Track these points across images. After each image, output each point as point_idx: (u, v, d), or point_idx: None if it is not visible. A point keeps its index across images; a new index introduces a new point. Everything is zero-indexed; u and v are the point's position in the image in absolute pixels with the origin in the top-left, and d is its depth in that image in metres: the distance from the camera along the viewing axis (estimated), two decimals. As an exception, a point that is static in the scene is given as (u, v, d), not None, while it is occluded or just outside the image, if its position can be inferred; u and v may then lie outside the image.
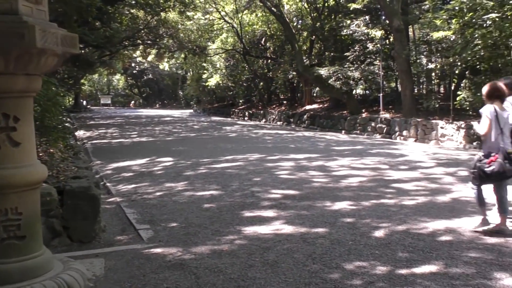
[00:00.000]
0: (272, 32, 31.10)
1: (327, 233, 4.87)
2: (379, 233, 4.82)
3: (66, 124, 15.42)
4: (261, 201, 6.47)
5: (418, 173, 8.55)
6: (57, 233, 4.79)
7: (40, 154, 6.26)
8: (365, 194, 6.77)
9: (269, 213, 5.80)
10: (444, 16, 14.29)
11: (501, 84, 4.99)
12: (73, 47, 3.16)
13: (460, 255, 4.13)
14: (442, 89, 21.93)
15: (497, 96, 4.83)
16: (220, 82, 36.48)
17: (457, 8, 13.41)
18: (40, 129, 6.12)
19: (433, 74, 18.74)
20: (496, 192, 4.85)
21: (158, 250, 4.50)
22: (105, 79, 70.03)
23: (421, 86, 22.65)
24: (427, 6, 17.22)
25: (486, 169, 4.64)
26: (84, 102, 58.70)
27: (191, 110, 52.65)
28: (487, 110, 4.77)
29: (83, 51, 23.87)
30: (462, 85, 19.14)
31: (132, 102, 73.02)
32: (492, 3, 12.67)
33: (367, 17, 21.90)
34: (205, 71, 38.88)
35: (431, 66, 17.15)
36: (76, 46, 3.22)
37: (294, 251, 4.33)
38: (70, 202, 4.90)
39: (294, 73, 27.62)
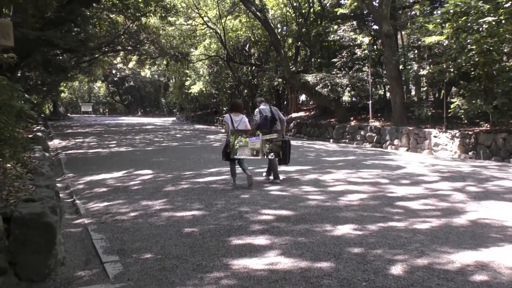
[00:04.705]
0: (256, 38, 30.43)
1: (333, 269, 4.02)
2: (396, 270, 3.96)
3: (39, 134, 14.42)
4: (251, 224, 5.61)
5: (422, 189, 7.73)
6: (1, 270, 3.91)
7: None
8: (369, 215, 5.93)
9: (261, 240, 4.94)
10: (438, 20, 13.73)
11: (237, 101, 9.15)
12: (4, 37, 2.37)
13: (501, 300, 3.33)
14: (431, 97, 21.46)
15: (232, 109, 8.51)
16: (204, 89, 35.70)
17: (451, 11, 12.83)
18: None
19: (424, 80, 18.21)
20: (239, 164, 8.15)
21: (126, 293, 3.62)
22: (86, 86, 68.55)
23: (411, 93, 22.17)
24: (417, 11, 16.71)
25: (227, 151, 7.99)
26: (64, 110, 57.32)
27: (174, 118, 51.78)
28: (225, 117, 8.30)
29: (60, 57, 22.79)
30: (452, 92, 18.66)
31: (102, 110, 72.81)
32: (488, 6, 12.13)
33: (354, 22, 21.43)
34: (188, 78, 38.10)
35: (422, 72, 16.56)
36: (9, 37, 2.44)
37: (295, 295, 3.47)
38: (19, 232, 4.04)
39: (280, 80, 26.98)
